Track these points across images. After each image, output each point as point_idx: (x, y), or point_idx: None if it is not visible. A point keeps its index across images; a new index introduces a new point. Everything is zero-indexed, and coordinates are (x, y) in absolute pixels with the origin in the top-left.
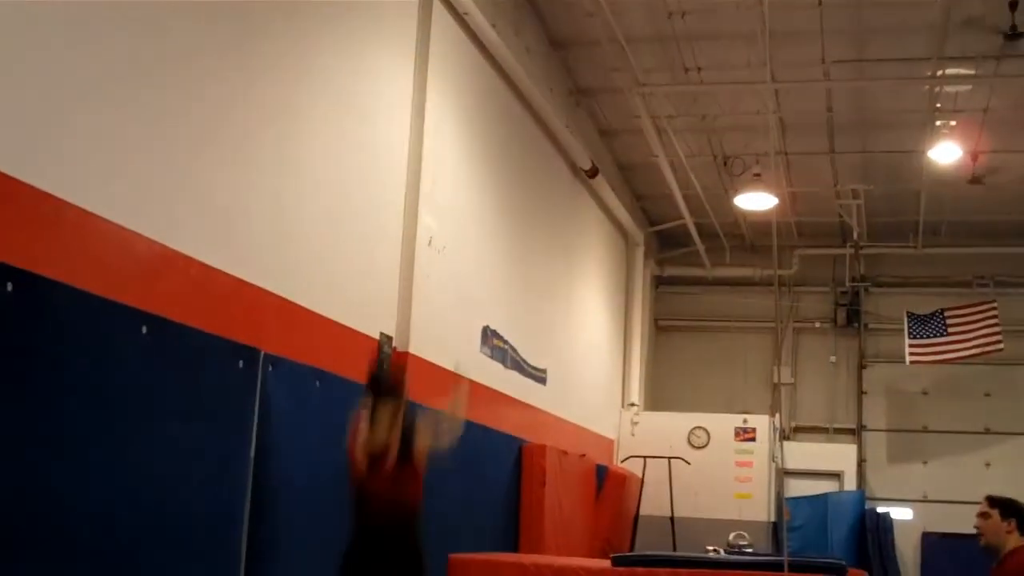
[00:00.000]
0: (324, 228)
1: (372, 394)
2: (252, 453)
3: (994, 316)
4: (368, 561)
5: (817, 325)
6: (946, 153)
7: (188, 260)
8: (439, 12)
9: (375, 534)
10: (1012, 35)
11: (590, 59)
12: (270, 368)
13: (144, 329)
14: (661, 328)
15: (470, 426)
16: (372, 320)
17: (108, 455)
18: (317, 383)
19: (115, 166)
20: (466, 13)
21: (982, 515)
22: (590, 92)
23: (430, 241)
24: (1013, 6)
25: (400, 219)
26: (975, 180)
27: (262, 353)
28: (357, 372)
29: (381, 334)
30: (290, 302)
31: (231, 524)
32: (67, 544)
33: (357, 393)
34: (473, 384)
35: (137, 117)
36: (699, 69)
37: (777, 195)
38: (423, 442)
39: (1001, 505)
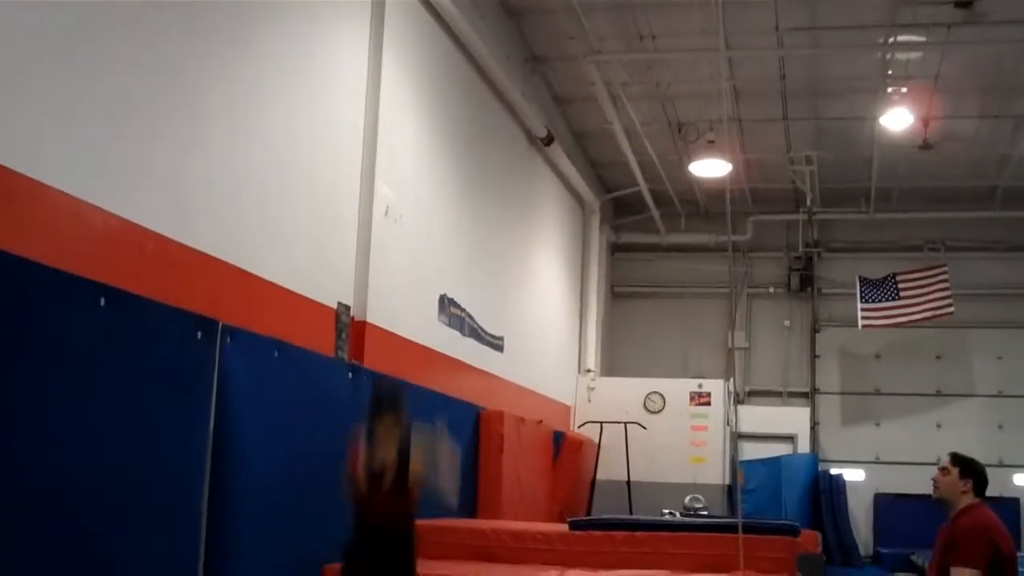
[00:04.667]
0: (281, 199)
1: (374, 410)
2: (211, 424)
3: (945, 280)
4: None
5: (771, 290)
6: (898, 119)
7: (145, 232)
8: None
9: (371, 548)
10: (962, 3)
11: (545, 27)
12: (228, 339)
13: (102, 301)
14: (617, 294)
15: (429, 393)
16: (330, 290)
17: (66, 427)
18: (276, 353)
19: (70, 138)
20: None
21: (943, 470)
22: (545, 60)
23: (387, 211)
24: None
25: (357, 189)
26: (926, 146)
27: (220, 324)
28: (315, 342)
29: (339, 303)
30: (247, 273)
31: (191, 493)
32: (25, 513)
33: (315, 362)
34: (431, 352)
35: (91, 89)
36: (653, 37)
37: (731, 162)
38: (418, 461)
39: (962, 464)
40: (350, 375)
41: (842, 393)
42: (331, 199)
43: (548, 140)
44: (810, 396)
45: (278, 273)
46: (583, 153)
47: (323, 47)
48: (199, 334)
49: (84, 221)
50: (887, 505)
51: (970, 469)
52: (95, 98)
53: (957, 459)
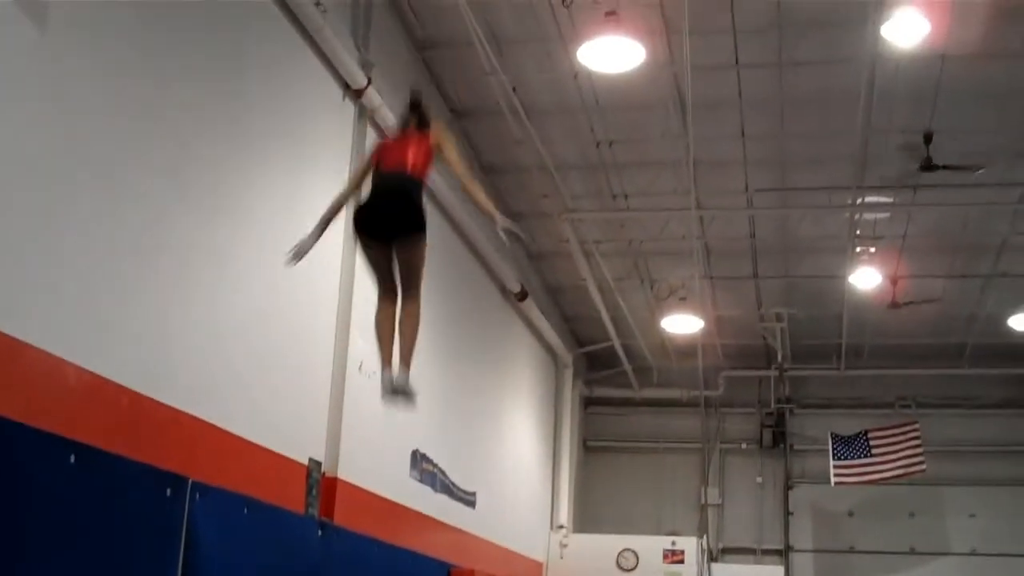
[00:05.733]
0: (256, 354)
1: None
2: None
3: (916, 437)
4: (379, 212)
5: (744, 446)
6: (866, 278)
7: (119, 388)
8: (372, 139)
9: (386, 183)
10: (927, 167)
11: (520, 185)
12: (197, 496)
13: (72, 458)
14: (590, 449)
15: (399, 551)
16: (302, 445)
17: None
18: (245, 510)
19: (46, 293)
20: None
21: None
22: (520, 217)
23: (361, 366)
24: (928, 139)
25: (331, 344)
26: (895, 305)
27: (190, 481)
28: (286, 498)
29: (310, 460)
30: (219, 428)
31: None
32: None
33: (284, 520)
34: (403, 508)
35: (69, 244)
36: (626, 196)
37: (703, 318)
38: (440, 128)
39: None
40: (319, 533)
41: (816, 551)
42: (306, 354)
43: (522, 296)
44: (784, 554)
45: (251, 428)
46: (556, 307)
47: (303, 202)
48: (168, 491)
49: (58, 377)
50: None
51: None
52: (72, 254)
53: None
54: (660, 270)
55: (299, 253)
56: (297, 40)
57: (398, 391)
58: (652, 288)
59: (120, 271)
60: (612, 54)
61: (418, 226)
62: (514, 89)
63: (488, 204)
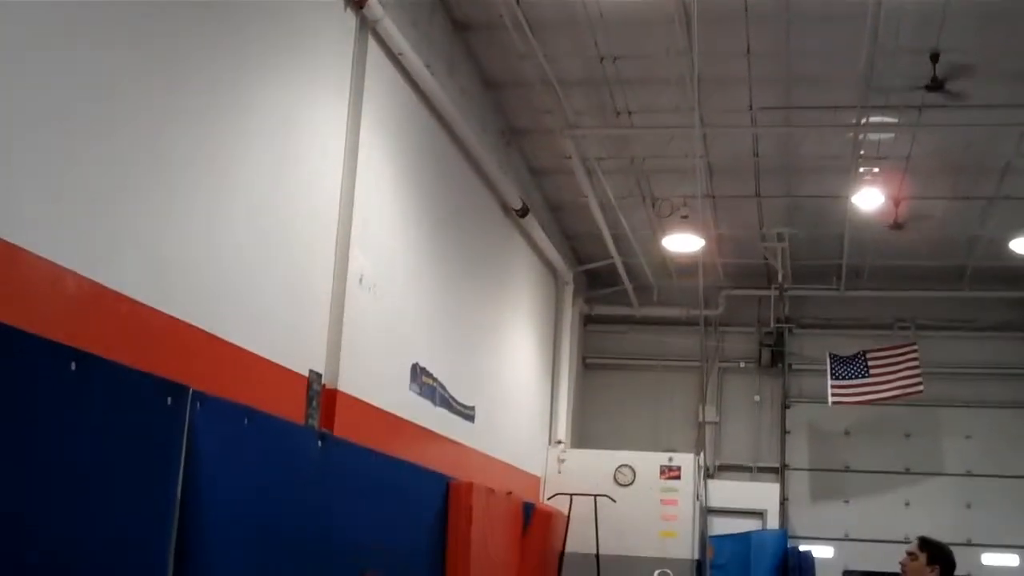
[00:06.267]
0: (254, 265)
1: None
2: (179, 490)
3: (914, 358)
4: None
5: (742, 365)
6: (869, 199)
7: (118, 296)
8: (374, 52)
9: None
10: (933, 86)
11: (522, 100)
12: (198, 405)
13: (73, 366)
14: (589, 366)
15: (398, 462)
16: (302, 357)
17: (32, 493)
18: (245, 420)
19: (41, 200)
20: (400, 53)
21: (910, 554)
22: (522, 132)
23: (361, 279)
24: (934, 58)
25: (331, 258)
26: (896, 226)
27: (190, 390)
28: (286, 409)
29: (311, 371)
30: (220, 339)
31: (156, 563)
32: None
33: (285, 431)
34: (402, 421)
35: (70, 153)
36: (629, 112)
37: (704, 237)
38: None
39: (930, 549)
40: (319, 444)
41: (812, 469)
42: (305, 266)
43: (523, 211)
44: (780, 472)
45: (251, 340)
46: (557, 225)
47: (301, 115)
48: (169, 400)
49: (58, 284)
50: None
51: (938, 555)
52: (73, 162)
53: (925, 544)
54: (662, 188)
55: None
56: None
57: None
58: (654, 206)
59: (118, 180)
60: None
61: None
62: (517, 2)
63: None
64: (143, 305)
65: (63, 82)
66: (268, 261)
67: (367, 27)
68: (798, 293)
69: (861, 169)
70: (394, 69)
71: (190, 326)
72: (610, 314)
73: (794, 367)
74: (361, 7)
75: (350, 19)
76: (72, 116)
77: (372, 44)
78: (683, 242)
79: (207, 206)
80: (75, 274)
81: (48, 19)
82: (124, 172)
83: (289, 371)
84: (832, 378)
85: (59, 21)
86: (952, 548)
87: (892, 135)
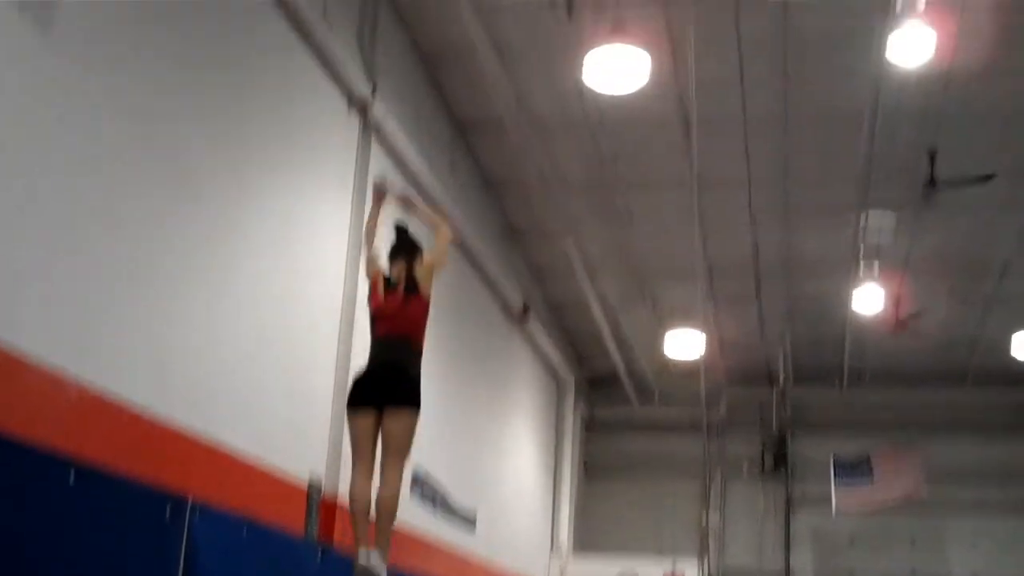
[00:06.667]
0: (256, 364)
1: (395, 247)
2: None
3: (918, 462)
4: (373, 381)
5: (745, 469)
6: (869, 299)
7: (120, 405)
8: (376, 151)
9: (383, 355)
10: (931, 185)
11: (523, 199)
12: (197, 516)
13: (72, 477)
14: (591, 470)
15: (398, 574)
16: (302, 465)
17: None
18: (245, 533)
19: (40, 305)
20: (402, 153)
21: None
22: (523, 231)
23: None
24: (932, 158)
25: (333, 356)
26: (899, 327)
27: (189, 501)
28: (286, 517)
29: (311, 479)
30: (219, 448)
31: None
32: None
33: (284, 544)
34: (403, 530)
35: (73, 257)
36: (630, 213)
37: (706, 338)
38: (427, 277)
39: None
40: (319, 557)
41: None
42: (308, 365)
43: (524, 313)
44: None
45: (251, 447)
46: (559, 325)
47: (306, 213)
48: (168, 510)
49: (59, 392)
50: None
51: None
52: (76, 267)
53: None
54: (663, 289)
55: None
56: (302, 50)
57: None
58: (655, 307)
59: (120, 285)
60: (617, 70)
61: (411, 401)
62: (519, 101)
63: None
64: (143, 412)
65: (63, 183)
66: (270, 360)
67: (370, 128)
68: (800, 394)
69: (861, 270)
70: (396, 167)
71: (190, 434)
72: (612, 417)
73: (797, 471)
74: (364, 109)
75: (354, 120)
76: (72, 218)
77: (375, 144)
78: (685, 344)
79: (208, 305)
80: (75, 381)
81: (47, 108)
82: (124, 276)
83: (289, 480)
84: (836, 484)
85: (59, 110)
86: None
87: (891, 233)
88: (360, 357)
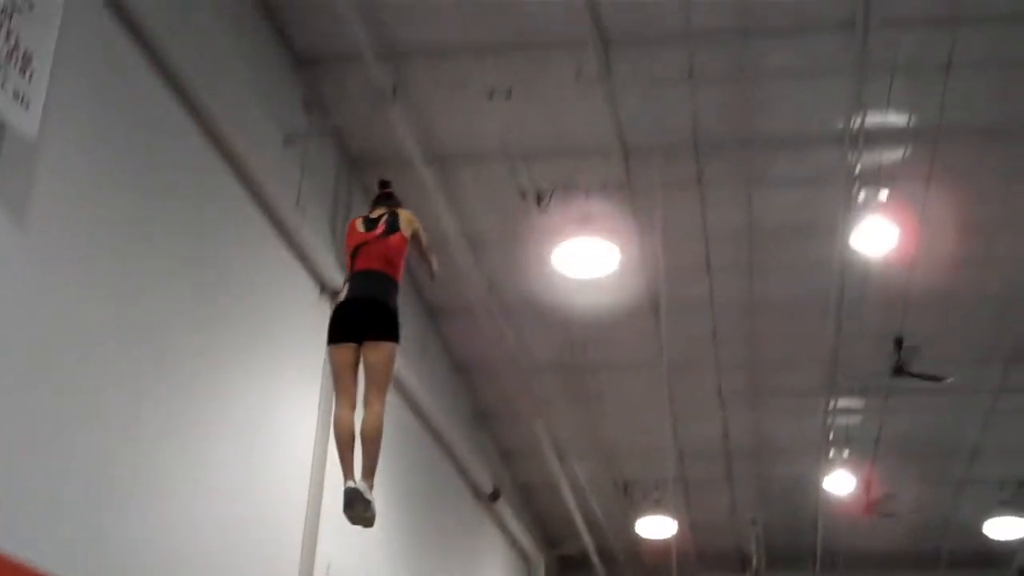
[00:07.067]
0: (223, 553)
1: (379, 197)
2: None
3: None
4: (351, 313)
5: None
6: (841, 482)
7: None
8: None
9: (361, 287)
10: (898, 371)
11: (493, 382)
12: None
13: None
14: None
15: None
16: None
17: None
18: None
19: (9, 496)
20: None
21: None
22: (492, 414)
23: (328, 569)
24: (899, 344)
25: (299, 547)
26: (871, 510)
27: None
28: None
29: None
30: None
31: None
32: None
33: None
34: None
35: (36, 440)
36: (600, 396)
37: (676, 521)
38: (408, 225)
39: None
40: None
41: None
42: (274, 556)
43: (495, 496)
44: None
45: None
46: (529, 506)
47: (276, 400)
48: None
49: None
50: None
51: None
52: (46, 454)
53: None
54: (633, 471)
55: None
56: (274, 237)
57: (357, 502)
58: (625, 490)
59: (87, 478)
60: (587, 259)
61: (390, 333)
62: (489, 288)
63: (434, 267)
64: None
65: (30, 377)
66: (237, 544)
67: None
68: None
69: (832, 453)
70: None
71: None
72: None
73: None
74: (336, 296)
75: (325, 305)
76: (42, 413)
77: None
78: (656, 526)
79: (178, 500)
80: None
81: (26, 301)
82: (93, 470)
83: None
84: None
85: (36, 304)
86: None
87: (860, 418)
88: (327, 542)
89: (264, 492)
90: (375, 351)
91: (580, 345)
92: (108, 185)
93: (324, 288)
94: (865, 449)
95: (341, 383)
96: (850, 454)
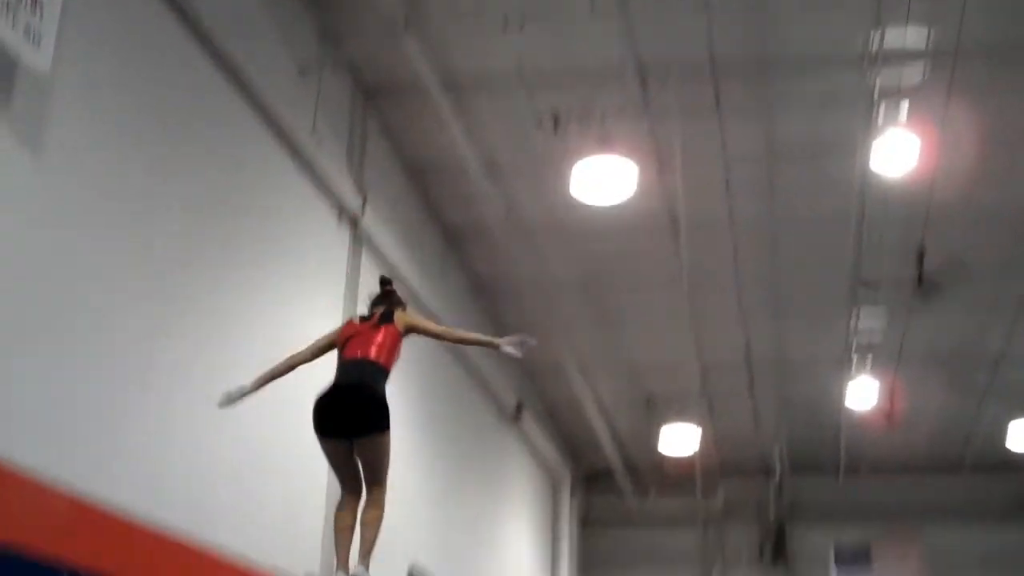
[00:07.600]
0: (250, 473)
1: (379, 297)
2: None
3: (918, 550)
4: (336, 407)
5: (744, 560)
6: (863, 395)
7: (112, 514)
8: (367, 257)
9: (347, 375)
10: (920, 283)
11: (515, 302)
12: None
13: None
14: (587, 567)
15: None
16: (298, 560)
17: None
18: None
19: (37, 416)
20: (394, 261)
21: None
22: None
23: None
24: (920, 257)
25: (325, 469)
26: (890, 423)
27: None
28: None
29: (305, 573)
30: (215, 554)
31: None
32: None
33: None
34: None
35: (60, 365)
36: (621, 314)
37: (700, 433)
38: (400, 320)
39: None
40: None
41: None
42: (301, 472)
43: (519, 413)
44: None
45: (246, 546)
46: (553, 423)
47: (296, 325)
48: None
49: (52, 501)
50: None
51: None
52: (70, 378)
53: None
54: (657, 386)
55: (229, 400)
56: (291, 165)
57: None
58: (648, 404)
59: (114, 395)
60: (604, 180)
61: (379, 426)
62: (508, 211)
63: (484, 338)
64: (136, 520)
65: (54, 296)
66: (264, 464)
67: (361, 240)
68: (798, 484)
69: (854, 364)
70: (387, 272)
71: (185, 540)
72: (608, 512)
73: (797, 561)
74: (354, 221)
75: (344, 232)
76: (64, 328)
77: (366, 254)
78: (680, 440)
79: (201, 413)
80: (68, 488)
81: (42, 224)
82: (119, 386)
83: None
84: (837, 574)
85: (53, 226)
86: None
87: (883, 330)
88: None
89: (289, 413)
90: (368, 448)
91: (601, 264)
92: (124, 119)
93: (343, 213)
94: (888, 360)
95: (340, 476)
96: (873, 365)
